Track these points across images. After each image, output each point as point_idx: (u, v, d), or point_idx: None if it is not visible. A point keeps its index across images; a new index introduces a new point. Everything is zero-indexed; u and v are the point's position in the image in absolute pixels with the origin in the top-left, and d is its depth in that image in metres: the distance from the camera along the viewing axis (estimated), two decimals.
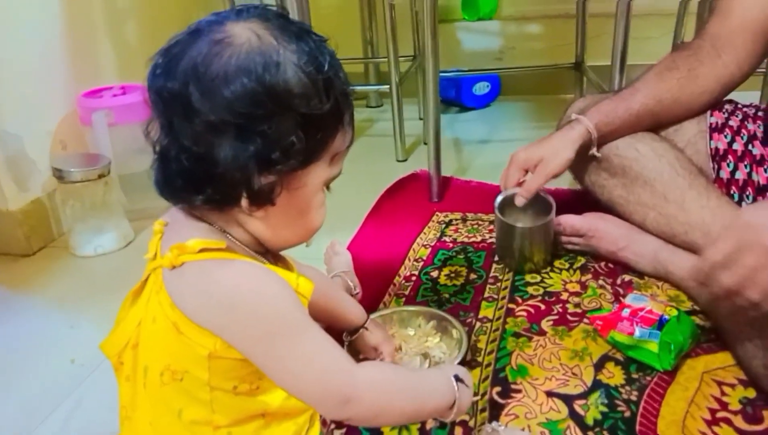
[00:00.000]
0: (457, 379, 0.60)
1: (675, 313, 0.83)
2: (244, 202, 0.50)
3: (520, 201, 1.02)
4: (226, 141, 0.47)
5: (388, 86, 1.69)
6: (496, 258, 1.11)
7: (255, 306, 0.49)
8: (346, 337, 0.82)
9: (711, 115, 1.02)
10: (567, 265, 1.07)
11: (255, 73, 0.47)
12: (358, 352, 0.82)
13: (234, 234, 0.53)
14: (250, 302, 0.49)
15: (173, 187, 0.51)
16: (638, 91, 1.01)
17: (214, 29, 0.49)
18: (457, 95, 2.06)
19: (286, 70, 0.48)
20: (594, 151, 1.01)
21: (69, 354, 0.97)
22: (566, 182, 1.29)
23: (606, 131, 1.00)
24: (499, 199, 1.05)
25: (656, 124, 1.02)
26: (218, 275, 0.50)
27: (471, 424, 0.74)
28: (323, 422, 0.70)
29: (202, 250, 0.50)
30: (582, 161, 1.05)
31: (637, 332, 0.81)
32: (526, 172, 1.03)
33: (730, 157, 0.98)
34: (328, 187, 0.56)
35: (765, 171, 0.95)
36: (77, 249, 1.29)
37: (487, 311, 0.96)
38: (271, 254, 0.57)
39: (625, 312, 0.85)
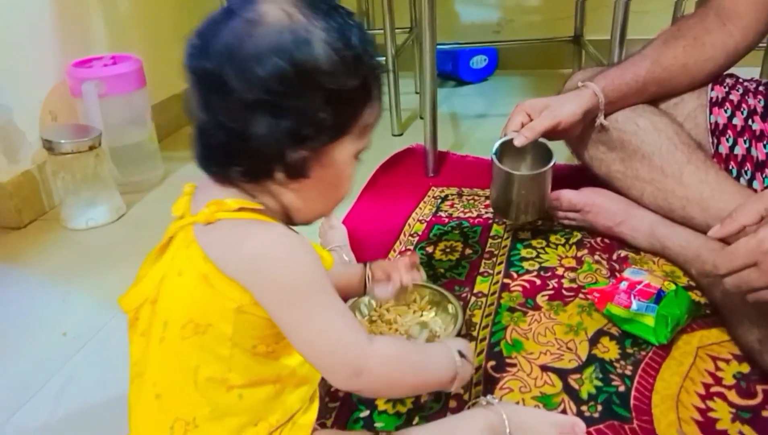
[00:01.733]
0: (460, 353, 0.61)
1: (673, 287, 0.83)
2: (279, 175, 0.52)
3: (520, 141, 0.95)
4: (261, 118, 0.49)
5: (383, 59, 1.67)
6: (492, 217, 1.10)
7: (287, 264, 0.51)
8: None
9: (712, 89, 1.00)
10: (563, 241, 1.06)
11: (286, 52, 0.48)
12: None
13: (266, 203, 0.54)
14: (283, 260, 0.51)
15: (212, 161, 0.53)
16: (646, 57, 0.99)
17: (247, 8, 0.50)
18: (454, 69, 2.04)
19: (316, 47, 0.49)
20: (601, 118, 0.99)
21: (61, 327, 0.96)
22: (563, 157, 1.28)
23: (613, 97, 0.99)
24: (498, 144, 0.99)
25: (662, 92, 1.01)
26: (254, 232, 0.52)
27: (465, 397, 0.74)
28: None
29: (240, 209, 0.52)
30: (583, 134, 1.03)
31: (634, 305, 0.80)
32: (530, 121, 0.98)
33: (729, 131, 0.97)
34: (357, 159, 0.57)
35: (764, 146, 0.94)
36: (69, 222, 1.28)
37: (482, 286, 0.96)
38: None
39: (623, 285, 0.84)
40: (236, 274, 0.50)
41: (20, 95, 1.29)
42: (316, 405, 0.61)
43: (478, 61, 2.04)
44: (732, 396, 0.72)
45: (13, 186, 1.28)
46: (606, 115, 1.00)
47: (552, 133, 0.98)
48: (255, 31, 0.49)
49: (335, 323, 0.53)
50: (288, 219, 0.57)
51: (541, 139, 0.98)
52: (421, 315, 0.86)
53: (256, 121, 0.49)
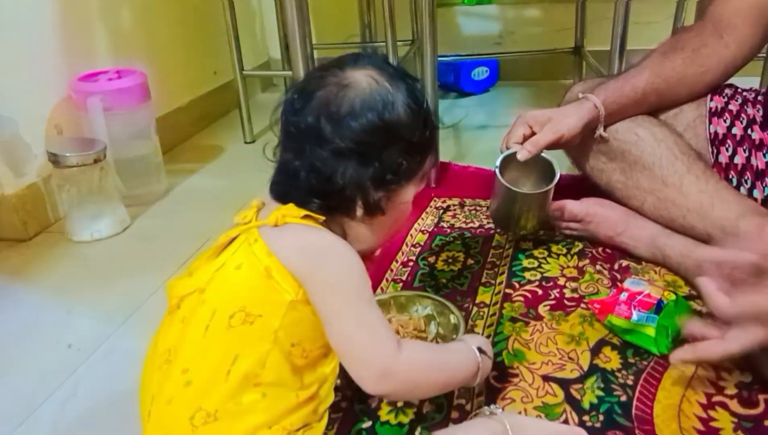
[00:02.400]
0: (480, 350, 0.66)
1: (673, 297, 0.83)
2: (359, 212, 0.60)
3: (523, 155, 0.96)
4: (350, 164, 0.58)
5: None
6: (494, 232, 1.11)
7: (343, 260, 0.58)
8: None
9: (711, 100, 1.01)
10: (564, 251, 1.07)
11: (377, 110, 0.58)
12: None
13: (330, 228, 0.61)
14: (340, 256, 0.58)
15: (294, 196, 0.60)
16: (645, 69, 1.00)
17: (338, 74, 0.60)
18: (455, 80, 2.05)
19: (399, 107, 0.59)
20: (601, 130, 1.00)
21: (66, 339, 0.96)
22: (564, 167, 1.29)
23: (613, 109, 0.99)
24: (500, 158, 0.99)
25: (661, 103, 1.02)
26: (316, 235, 0.59)
27: (468, 407, 0.74)
28: None
29: (306, 217, 0.59)
30: (583, 145, 1.04)
31: (635, 316, 0.81)
32: (532, 133, 0.99)
33: (729, 141, 0.98)
34: (411, 202, 0.66)
35: (764, 156, 0.94)
36: (74, 234, 1.29)
37: (484, 296, 0.96)
38: None
39: (623, 296, 0.84)
40: (295, 266, 0.56)
41: (26, 109, 1.31)
42: (326, 415, 0.62)
43: (480, 73, 2.06)
44: (734, 405, 0.72)
45: (18, 199, 1.29)
46: (606, 126, 1.01)
47: (554, 147, 0.99)
48: (349, 93, 0.58)
49: (372, 324, 0.58)
50: None
51: (544, 154, 0.99)
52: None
53: (346, 166, 0.58)
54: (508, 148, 0.99)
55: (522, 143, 0.98)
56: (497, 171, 0.99)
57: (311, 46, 1.64)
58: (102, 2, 1.54)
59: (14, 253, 1.27)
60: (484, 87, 2.09)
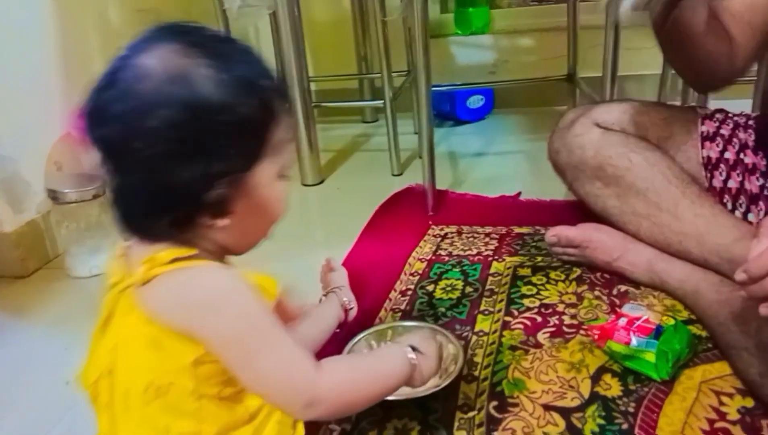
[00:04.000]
0: (413, 348, 0.63)
1: (672, 322, 0.83)
2: (204, 218, 0.52)
3: None
4: (169, 169, 0.50)
5: (382, 102, 1.70)
6: (491, 271, 1.11)
7: (226, 306, 0.52)
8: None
9: (702, 124, 1.02)
10: (563, 277, 1.07)
11: (173, 99, 0.49)
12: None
13: (199, 245, 0.54)
14: (222, 302, 0.52)
15: (135, 222, 0.54)
16: None
17: (127, 65, 0.51)
18: (451, 109, 2.07)
19: (204, 86, 0.50)
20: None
21: (64, 376, 0.96)
22: (560, 193, 1.30)
23: None
24: None
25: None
26: (193, 280, 0.52)
27: None
28: None
29: (173, 260, 0.52)
30: (578, 171, 1.04)
31: (634, 341, 0.80)
32: None
33: (722, 165, 0.99)
34: (282, 177, 0.57)
35: (757, 180, 0.95)
36: (73, 270, 1.29)
37: (483, 324, 0.96)
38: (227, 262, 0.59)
39: (622, 321, 0.84)
40: (182, 327, 0.51)
41: (26, 147, 1.32)
42: (301, 427, 0.61)
43: (475, 101, 2.08)
44: (737, 431, 0.71)
45: (18, 236, 1.30)
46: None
47: None
48: (141, 86, 0.49)
49: (282, 360, 0.53)
50: (227, 253, 0.57)
51: None
52: None
53: (166, 174, 0.50)
54: None
55: None
56: None
57: (308, 79, 1.67)
58: (102, 40, 1.57)
59: (14, 289, 1.27)
60: (479, 115, 2.11)
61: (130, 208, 0.53)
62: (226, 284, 0.53)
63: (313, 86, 1.83)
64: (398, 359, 0.62)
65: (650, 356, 0.79)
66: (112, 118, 0.50)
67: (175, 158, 0.50)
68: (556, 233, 1.06)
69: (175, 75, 0.49)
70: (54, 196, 1.26)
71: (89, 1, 1.54)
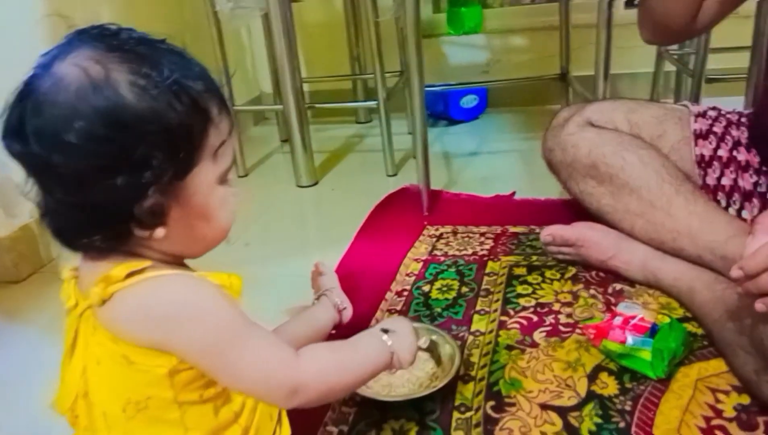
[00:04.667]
0: (386, 331, 0.64)
1: (667, 320, 0.83)
2: (137, 231, 0.50)
3: None
4: (94, 183, 0.47)
5: (375, 102, 1.70)
6: (486, 269, 1.11)
7: (194, 315, 0.50)
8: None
9: (695, 122, 1.02)
10: (558, 276, 1.07)
11: (90, 110, 0.46)
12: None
13: (148, 255, 0.52)
14: (189, 313, 0.50)
15: (67, 238, 0.51)
16: None
17: (43, 75, 0.48)
18: (445, 109, 2.07)
19: (123, 94, 0.46)
20: None
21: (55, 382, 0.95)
22: (555, 192, 1.30)
23: None
24: None
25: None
26: (152, 294, 0.50)
27: None
28: None
29: (129, 275, 0.49)
30: (572, 169, 1.05)
31: (630, 340, 0.81)
32: None
33: (715, 163, 0.99)
34: (224, 182, 0.54)
35: (750, 176, 0.96)
36: (61, 275, 1.28)
37: (479, 324, 0.96)
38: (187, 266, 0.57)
39: (617, 320, 0.85)
40: (151, 342, 0.49)
41: None
42: (285, 418, 0.62)
43: (469, 101, 2.08)
44: (733, 428, 0.71)
45: (11, 240, 1.29)
46: None
47: None
48: (56, 98, 0.46)
49: (259, 353, 0.53)
50: (182, 258, 0.56)
51: None
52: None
53: (90, 188, 0.47)
54: None
55: None
56: None
57: (301, 80, 1.67)
58: None
59: (7, 293, 1.26)
60: (473, 114, 2.11)
61: (60, 224, 0.50)
62: (186, 293, 0.51)
63: (306, 87, 1.83)
64: (375, 344, 0.63)
65: (646, 354, 0.79)
66: (30, 133, 0.46)
67: (99, 172, 0.46)
68: (551, 232, 1.06)
69: (89, 84, 0.46)
70: (41, 210, 1.25)
71: (80, 3, 1.53)
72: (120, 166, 0.47)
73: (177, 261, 0.55)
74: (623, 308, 0.87)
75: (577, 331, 0.91)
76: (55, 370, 0.99)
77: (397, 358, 0.64)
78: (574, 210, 1.11)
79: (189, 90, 0.49)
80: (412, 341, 0.66)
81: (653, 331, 0.80)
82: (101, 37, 0.49)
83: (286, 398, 0.53)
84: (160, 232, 0.50)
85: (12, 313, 1.19)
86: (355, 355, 0.61)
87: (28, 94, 0.48)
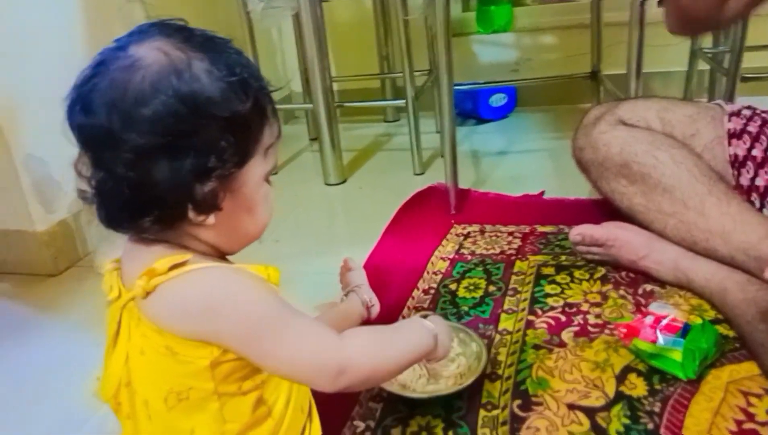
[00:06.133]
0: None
1: (699, 321, 0.82)
2: (191, 214, 0.51)
3: None
4: (160, 161, 0.48)
5: (404, 101, 1.71)
6: (514, 270, 1.11)
7: (235, 307, 0.51)
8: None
9: (729, 121, 1.01)
10: (587, 276, 1.06)
11: (171, 89, 0.48)
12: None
13: (191, 246, 0.54)
14: (231, 304, 0.51)
15: (119, 218, 0.52)
16: None
17: (119, 56, 0.50)
18: (473, 107, 2.07)
19: (200, 79, 0.49)
20: None
21: (94, 373, 0.98)
22: (584, 192, 1.29)
23: None
24: None
25: None
26: (193, 286, 0.51)
27: None
28: None
29: (172, 268, 0.51)
30: (603, 168, 1.03)
31: (661, 340, 0.80)
32: None
33: (749, 163, 0.97)
34: (267, 181, 0.57)
35: None
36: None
37: (506, 323, 0.96)
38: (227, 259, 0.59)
39: (649, 319, 0.84)
40: (194, 334, 0.50)
41: (57, 148, 1.34)
42: (315, 413, 0.63)
43: (498, 99, 2.07)
44: (766, 433, 0.70)
45: (49, 235, 1.33)
46: None
47: None
48: (134, 75, 0.48)
49: (303, 336, 0.54)
50: (219, 253, 0.57)
51: None
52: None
53: (155, 165, 0.48)
54: None
55: None
56: None
57: (330, 79, 1.68)
58: None
59: (45, 287, 1.30)
60: (502, 113, 2.10)
61: (113, 203, 0.51)
62: (226, 283, 0.52)
63: (335, 86, 1.84)
64: (416, 325, 0.65)
65: (677, 355, 0.78)
66: (101, 105, 0.48)
67: (166, 150, 0.48)
68: (581, 232, 1.06)
69: (171, 66, 0.49)
70: (84, 196, 1.28)
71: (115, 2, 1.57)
72: (189, 146, 0.49)
73: (217, 254, 0.57)
74: (655, 308, 0.86)
75: (606, 331, 0.91)
76: (90, 363, 1.02)
77: (441, 343, 0.65)
78: (604, 209, 1.10)
79: (253, 87, 0.52)
80: (450, 331, 0.68)
81: (685, 331, 0.80)
82: (175, 30, 0.52)
83: (333, 379, 0.54)
84: (211, 218, 0.52)
85: (48, 306, 1.23)
86: (399, 336, 0.63)
87: (101, 72, 0.49)
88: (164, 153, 0.48)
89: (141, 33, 0.51)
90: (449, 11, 1.30)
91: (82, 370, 1.00)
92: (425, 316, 0.69)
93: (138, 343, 0.53)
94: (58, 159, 1.35)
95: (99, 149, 0.50)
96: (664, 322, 0.82)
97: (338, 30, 2.22)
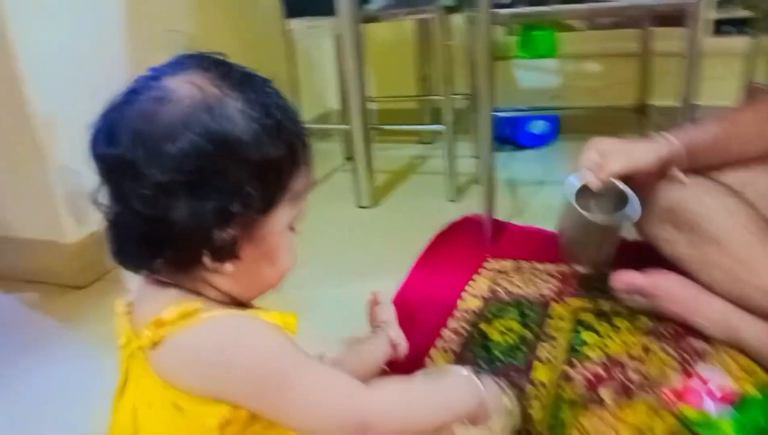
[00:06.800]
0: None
1: (757, 393, 0.76)
2: (206, 260, 0.48)
3: (595, 184, 0.93)
4: (181, 200, 0.46)
5: (442, 126, 1.67)
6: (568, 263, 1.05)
7: (246, 361, 0.48)
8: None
9: None
10: (628, 324, 1.00)
11: (200, 127, 0.45)
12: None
13: (205, 293, 0.51)
14: (241, 359, 0.48)
15: (131, 255, 0.50)
16: (720, 118, 1.00)
17: (152, 86, 0.47)
18: (512, 133, 2.02)
19: (233, 119, 0.47)
20: (677, 171, 0.95)
21: (113, 388, 0.97)
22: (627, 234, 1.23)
23: (689, 149, 0.95)
24: (573, 187, 0.94)
25: (735, 149, 0.99)
26: (204, 337, 0.48)
27: None
28: None
29: (180, 318, 0.48)
30: (648, 213, 0.98)
31: (712, 408, 0.74)
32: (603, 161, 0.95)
33: None
34: (292, 229, 0.54)
35: None
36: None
37: (540, 373, 0.91)
38: (244, 306, 0.55)
39: (697, 383, 0.78)
40: (202, 389, 0.48)
41: (89, 160, 1.35)
42: None
43: (538, 126, 2.02)
44: None
45: (79, 247, 1.32)
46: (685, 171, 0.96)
47: (627, 179, 0.94)
48: (164, 108, 0.46)
49: (322, 390, 0.50)
50: (235, 300, 0.53)
51: (621, 185, 0.93)
52: None
53: (175, 204, 0.45)
54: (581, 170, 0.96)
55: (595, 170, 0.94)
56: (571, 197, 0.94)
57: (367, 100, 1.65)
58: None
59: (71, 299, 1.30)
60: (542, 141, 2.05)
61: (126, 238, 0.49)
62: (238, 334, 0.48)
63: (372, 105, 1.82)
64: (465, 382, 0.59)
65: (728, 427, 0.72)
66: (126, 135, 0.46)
67: (188, 189, 0.45)
68: (624, 281, 1.00)
69: (204, 103, 0.46)
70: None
71: (158, 17, 1.58)
72: (213, 188, 0.46)
73: (232, 301, 0.53)
74: (704, 371, 0.80)
75: (648, 390, 0.85)
76: (109, 380, 1.01)
77: (487, 410, 0.59)
78: (649, 251, 1.04)
79: (287, 131, 0.50)
80: (499, 398, 0.62)
81: (738, 400, 0.73)
82: (213, 64, 0.50)
83: None
84: (229, 266, 0.49)
85: (74, 317, 1.23)
86: (437, 391, 0.58)
87: (132, 101, 0.47)
88: (186, 192, 0.46)
89: (177, 64, 0.49)
90: (492, 38, 1.26)
91: (102, 385, 0.98)
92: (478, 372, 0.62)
93: (146, 395, 0.51)
94: (90, 172, 1.35)
95: (119, 181, 0.48)
96: (713, 388, 0.76)
97: (377, 49, 2.20)
